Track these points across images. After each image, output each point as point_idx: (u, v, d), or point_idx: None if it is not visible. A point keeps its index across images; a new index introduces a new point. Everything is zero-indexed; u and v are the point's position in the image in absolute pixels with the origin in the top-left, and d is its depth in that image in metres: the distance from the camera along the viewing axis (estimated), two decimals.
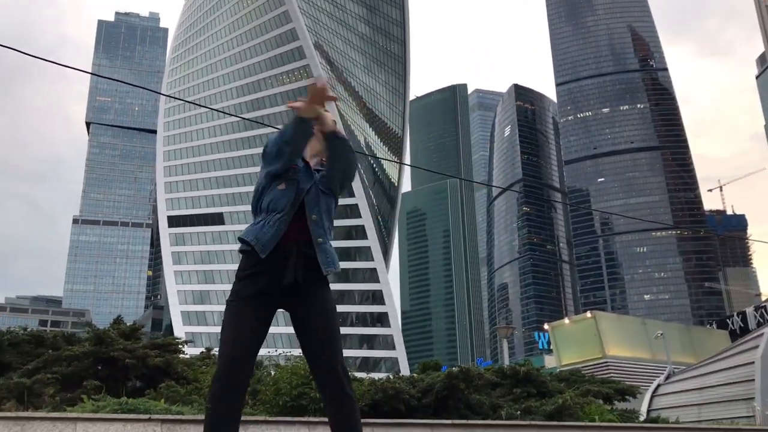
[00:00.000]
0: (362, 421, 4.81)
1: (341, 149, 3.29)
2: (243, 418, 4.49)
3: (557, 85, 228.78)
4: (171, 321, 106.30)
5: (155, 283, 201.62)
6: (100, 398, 5.80)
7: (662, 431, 6.04)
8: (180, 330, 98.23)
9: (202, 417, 4.48)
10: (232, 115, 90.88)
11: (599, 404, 8.20)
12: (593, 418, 7.35)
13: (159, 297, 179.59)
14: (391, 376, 7.11)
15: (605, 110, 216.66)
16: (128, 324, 8.65)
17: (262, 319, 3.17)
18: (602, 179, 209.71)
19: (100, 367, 7.35)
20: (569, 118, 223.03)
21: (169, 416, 4.18)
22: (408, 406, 7.22)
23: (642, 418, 8.45)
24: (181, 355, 8.62)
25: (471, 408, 7.59)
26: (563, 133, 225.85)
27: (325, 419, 4.76)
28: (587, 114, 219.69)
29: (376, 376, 9.04)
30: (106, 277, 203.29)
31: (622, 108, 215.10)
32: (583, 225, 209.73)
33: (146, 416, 4.00)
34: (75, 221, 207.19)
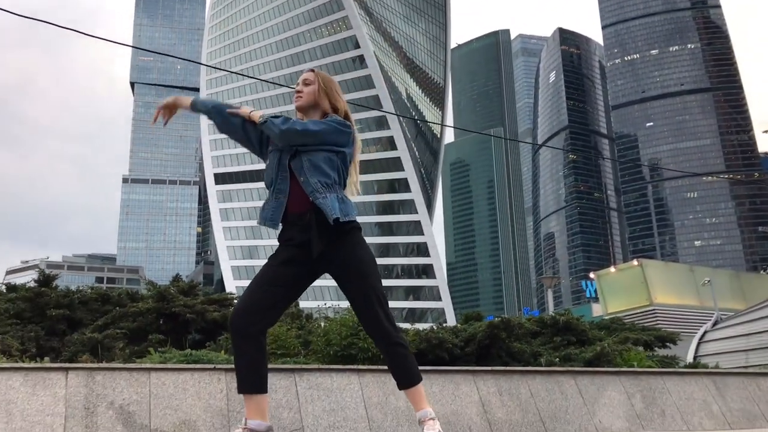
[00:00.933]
0: None
1: (270, 133, 3.36)
2: (300, 366, 4.88)
3: (603, 27, 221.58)
4: (222, 276, 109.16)
5: (205, 239, 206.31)
6: (165, 350, 6.25)
7: (696, 376, 6.25)
8: (231, 284, 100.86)
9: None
10: (275, 83, 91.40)
11: (639, 351, 8.41)
12: (632, 364, 7.59)
13: (209, 253, 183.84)
14: (434, 327, 7.46)
15: (654, 52, 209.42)
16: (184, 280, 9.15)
17: (290, 282, 3.34)
18: (651, 124, 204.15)
19: (162, 322, 7.87)
20: (616, 61, 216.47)
21: (231, 366, 4.58)
22: (451, 354, 7.52)
23: (682, 364, 8.66)
24: None
25: (512, 356, 7.88)
26: (610, 78, 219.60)
27: (373, 367, 5.13)
28: (635, 56, 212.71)
29: (421, 326, 9.40)
30: (157, 234, 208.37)
31: (671, 49, 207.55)
32: (632, 171, 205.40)
33: (211, 366, 4.41)
34: (125, 180, 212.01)
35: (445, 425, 4.80)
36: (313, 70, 3.60)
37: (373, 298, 3.29)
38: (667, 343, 9.19)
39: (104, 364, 4.18)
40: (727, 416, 6.05)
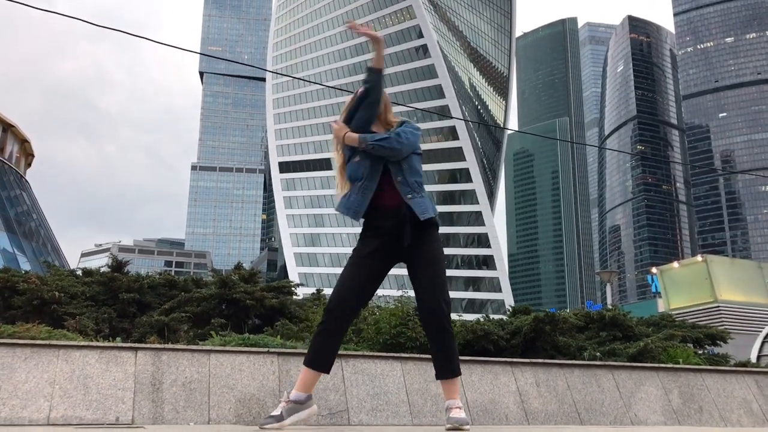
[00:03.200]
0: None
1: (385, 152, 3.69)
2: (346, 352, 5.24)
3: (675, 14, 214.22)
4: (285, 262, 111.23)
5: (269, 226, 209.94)
6: (226, 334, 6.70)
7: (737, 374, 6.32)
8: (293, 270, 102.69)
9: None
10: (337, 88, 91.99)
11: (687, 348, 8.45)
12: (677, 360, 7.67)
13: (273, 239, 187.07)
14: (480, 318, 7.71)
15: (729, 39, 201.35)
16: (246, 267, 9.61)
17: (375, 272, 3.69)
18: (724, 114, 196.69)
19: (224, 307, 8.36)
20: (688, 49, 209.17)
21: (284, 350, 4.96)
22: (497, 346, 7.70)
23: (732, 363, 8.67)
24: (294, 297, 9.53)
25: (557, 349, 8.05)
26: (681, 66, 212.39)
27: (415, 355, 5.43)
28: (708, 44, 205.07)
29: (469, 317, 9.61)
30: (224, 221, 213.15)
31: (748, 36, 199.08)
32: (703, 163, 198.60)
33: (265, 349, 4.80)
34: (193, 168, 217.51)
35: (483, 413, 5.08)
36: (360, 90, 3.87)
37: (438, 285, 3.63)
38: (718, 341, 9.16)
39: (169, 345, 4.62)
40: None
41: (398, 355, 5.24)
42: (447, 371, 3.67)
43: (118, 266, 8.32)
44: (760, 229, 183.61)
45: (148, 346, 4.57)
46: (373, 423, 4.67)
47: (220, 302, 7.99)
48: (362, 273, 3.66)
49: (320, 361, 3.62)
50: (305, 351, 5.22)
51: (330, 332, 3.61)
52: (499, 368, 5.43)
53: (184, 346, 4.70)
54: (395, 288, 8.56)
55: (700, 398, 5.94)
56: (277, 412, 3.62)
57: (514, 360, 5.50)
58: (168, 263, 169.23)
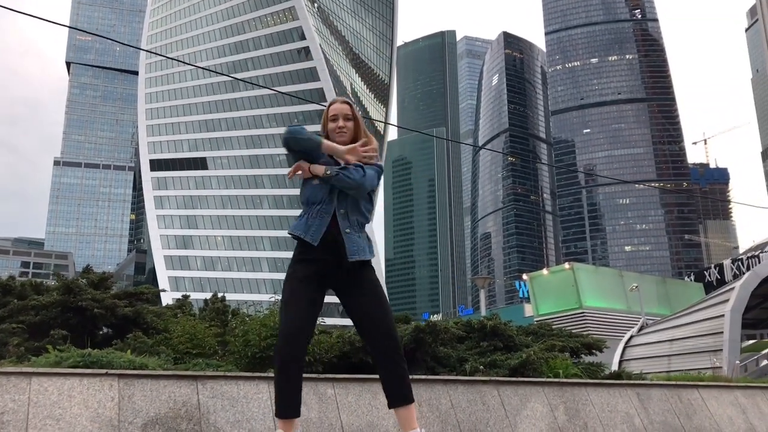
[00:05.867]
0: (323, 377, 4.88)
1: (343, 184, 3.47)
2: (202, 373, 4.52)
3: (546, 33, 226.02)
4: (154, 265, 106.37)
5: (138, 226, 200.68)
6: (64, 349, 5.79)
7: (620, 387, 6.16)
8: (163, 274, 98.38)
9: (162, 372, 4.51)
10: (215, 72, 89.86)
11: (565, 358, 8.34)
12: (557, 372, 7.47)
13: (142, 241, 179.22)
14: None
15: (594, 60, 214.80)
16: (112, 270, 8.56)
17: (314, 298, 3.49)
18: (588, 130, 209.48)
19: (70, 315, 7.34)
20: (558, 67, 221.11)
21: (127, 371, 4.19)
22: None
23: (607, 372, 8.63)
24: (154, 306, 8.61)
25: (438, 361, 7.69)
26: (551, 83, 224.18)
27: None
28: (576, 64, 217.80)
29: (347, 325, 9.08)
30: (89, 220, 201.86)
31: (610, 58, 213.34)
32: (568, 176, 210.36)
33: (102, 371, 4.01)
34: (56, 163, 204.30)
35: None
36: (348, 103, 3.69)
37: (390, 315, 3.55)
38: (594, 351, 9.16)
39: None
40: (649, 429, 5.97)
41: (266, 375, 4.59)
42: (404, 398, 3.49)
43: None
44: (618, 239, 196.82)
45: None
46: None
47: (63, 311, 6.97)
48: (302, 302, 3.46)
49: (293, 408, 3.35)
50: (153, 372, 4.44)
51: (289, 376, 3.35)
52: (378, 387, 4.90)
53: None
54: (270, 292, 7.88)
55: (585, 414, 5.70)
56: None
57: None
58: (25, 264, 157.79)
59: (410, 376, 4.71)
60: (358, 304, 3.55)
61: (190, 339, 7.87)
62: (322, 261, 3.48)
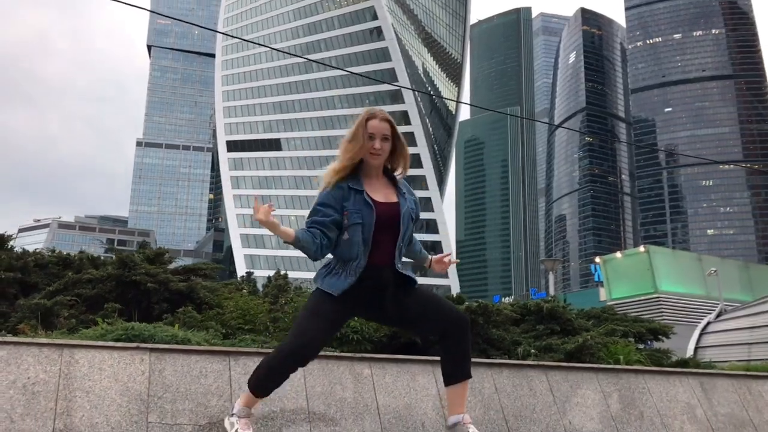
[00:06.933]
0: (359, 356, 4.76)
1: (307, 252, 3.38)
2: (237, 349, 4.47)
3: (627, 8, 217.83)
4: (231, 243, 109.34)
5: (216, 206, 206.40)
6: (113, 321, 5.86)
7: (681, 376, 5.79)
8: (239, 252, 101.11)
9: (194, 347, 4.48)
10: (288, 53, 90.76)
11: (628, 343, 7.93)
12: (618, 358, 7.11)
13: (220, 219, 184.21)
14: None
15: (677, 36, 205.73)
16: (192, 247, 8.70)
17: (340, 319, 3.52)
18: (669, 109, 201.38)
19: (126, 289, 7.48)
20: (638, 44, 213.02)
21: (159, 345, 4.17)
22: (426, 338, 7.19)
23: (673, 359, 8.19)
24: (210, 282, 8.69)
25: (491, 343, 7.48)
26: (631, 61, 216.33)
27: (329, 353, 4.68)
28: (657, 40, 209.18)
29: None
30: (169, 199, 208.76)
31: (695, 34, 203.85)
32: (647, 156, 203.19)
33: (134, 345, 4.00)
34: (138, 144, 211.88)
35: (396, 420, 4.39)
36: (389, 120, 3.42)
37: (435, 294, 3.65)
38: (660, 336, 8.70)
39: (9, 338, 3.78)
40: (712, 421, 5.59)
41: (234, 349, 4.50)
42: (464, 373, 3.56)
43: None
44: (700, 222, 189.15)
45: None
46: None
47: (118, 285, 7.10)
48: (327, 321, 3.41)
49: (273, 390, 3.57)
50: (188, 347, 4.40)
51: (288, 374, 3.45)
52: (417, 368, 4.74)
53: (30, 339, 3.88)
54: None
55: (641, 403, 5.37)
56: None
57: (436, 359, 4.82)
58: (110, 241, 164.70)
59: None
60: (407, 313, 3.52)
61: (242, 315, 7.90)
62: (367, 294, 3.47)
